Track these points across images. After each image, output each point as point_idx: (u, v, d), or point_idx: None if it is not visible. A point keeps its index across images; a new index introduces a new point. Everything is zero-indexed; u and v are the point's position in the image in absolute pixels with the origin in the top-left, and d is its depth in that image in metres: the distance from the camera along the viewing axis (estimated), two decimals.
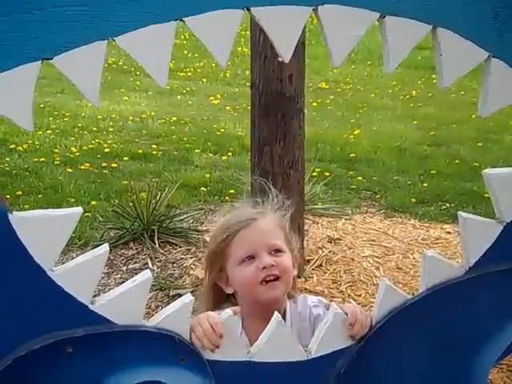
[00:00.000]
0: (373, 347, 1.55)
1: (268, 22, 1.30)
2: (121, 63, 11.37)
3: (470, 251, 1.56)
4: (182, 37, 12.27)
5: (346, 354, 1.53)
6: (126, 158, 6.24)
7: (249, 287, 1.62)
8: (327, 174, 5.99)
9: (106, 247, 1.37)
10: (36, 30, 1.19)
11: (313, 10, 1.32)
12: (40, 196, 5.04)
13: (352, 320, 1.51)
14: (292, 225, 3.75)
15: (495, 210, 1.58)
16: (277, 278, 1.61)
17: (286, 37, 1.31)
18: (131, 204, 4.32)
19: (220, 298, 1.70)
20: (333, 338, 1.52)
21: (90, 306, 1.35)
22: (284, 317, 1.64)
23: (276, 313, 1.52)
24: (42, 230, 1.28)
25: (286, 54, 1.32)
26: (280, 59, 1.33)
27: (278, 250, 1.64)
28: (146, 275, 1.41)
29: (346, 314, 1.53)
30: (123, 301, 1.38)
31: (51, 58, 1.21)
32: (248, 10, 1.29)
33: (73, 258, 4.44)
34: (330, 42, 1.35)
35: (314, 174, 5.92)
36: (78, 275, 1.33)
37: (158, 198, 4.37)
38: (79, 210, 1.31)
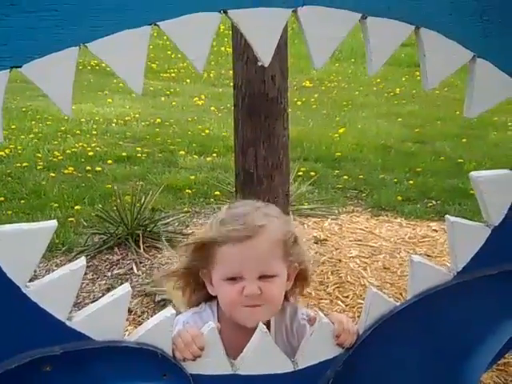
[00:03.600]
0: (361, 356, 1.51)
1: (246, 25, 1.25)
2: (104, 65, 11.29)
3: (457, 256, 1.53)
4: (165, 37, 12.22)
5: (333, 363, 1.49)
6: (110, 162, 6.17)
7: (230, 307, 1.54)
8: (313, 173, 5.96)
9: (82, 261, 1.32)
10: (4, 37, 1.14)
11: (292, 11, 1.28)
12: (22, 201, 4.96)
13: (339, 329, 1.47)
14: None
15: (483, 213, 1.55)
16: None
17: (266, 40, 1.26)
18: (115, 208, 4.25)
19: (198, 287, 1.62)
20: (320, 348, 1.48)
21: (68, 323, 1.30)
22: (268, 327, 1.57)
23: (260, 324, 1.47)
24: (14, 245, 1.23)
25: (265, 57, 1.28)
26: (260, 63, 1.29)
27: (270, 276, 1.52)
28: (125, 289, 1.36)
29: (333, 323, 1.49)
30: (102, 316, 1.33)
31: (20, 66, 1.16)
32: (225, 12, 1.24)
33: (57, 265, 4.35)
34: (310, 44, 1.30)
35: (300, 173, 5.89)
36: (54, 291, 1.28)
37: (142, 201, 4.31)
38: (53, 223, 1.26)
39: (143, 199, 4.43)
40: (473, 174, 1.54)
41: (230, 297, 1.51)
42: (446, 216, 1.54)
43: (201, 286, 1.62)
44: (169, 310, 1.39)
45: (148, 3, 1.19)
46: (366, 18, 1.32)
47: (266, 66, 1.28)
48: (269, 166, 3.70)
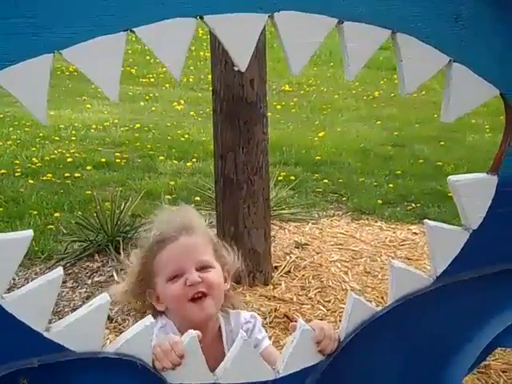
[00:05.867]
0: (342, 362, 1.51)
1: (222, 31, 1.24)
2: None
3: (437, 260, 1.53)
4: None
5: (315, 370, 1.48)
6: (88, 168, 6.12)
7: (178, 305, 1.61)
8: (293, 177, 5.96)
9: (59, 271, 1.30)
10: None
11: (268, 16, 1.27)
12: (1, 209, 4.91)
13: (320, 336, 1.47)
14: (258, 232, 3.74)
15: (461, 217, 1.55)
16: (205, 295, 1.60)
17: (242, 45, 1.26)
18: (95, 215, 4.22)
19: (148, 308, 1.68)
20: (301, 356, 1.47)
21: (45, 334, 1.28)
22: (220, 333, 1.65)
23: (241, 331, 1.47)
24: None
25: (242, 63, 1.27)
26: (236, 68, 1.28)
27: (206, 266, 1.63)
28: (103, 299, 1.34)
29: (314, 329, 1.48)
30: (80, 327, 1.31)
31: None
32: (201, 18, 1.23)
33: (36, 273, 4.31)
34: (287, 49, 1.30)
35: (280, 178, 5.89)
36: (31, 302, 1.25)
37: (121, 207, 4.28)
38: (29, 233, 1.24)
39: (123, 205, 4.40)
40: (450, 178, 1.54)
41: (176, 293, 1.59)
42: (425, 220, 1.54)
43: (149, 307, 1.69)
44: (148, 319, 1.38)
45: (123, 9, 1.18)
46: (342, 22, 1.32)
47: (243, 71, 1.27)
48: (248, 171, 3.70)
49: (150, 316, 1.40)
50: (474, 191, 1.53)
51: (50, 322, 1.31)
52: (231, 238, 3.70)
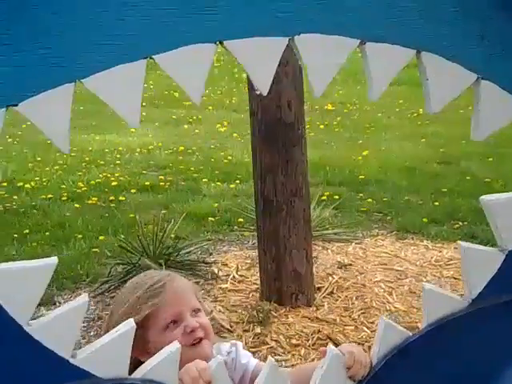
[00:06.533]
0: None
1: (242, 55, 1.24)
2: None
3: (471, 282, 1.48)
4: None
5: None
6: (133, 191, 6.21)
7: None
8: (337, 197, 5.92)
9: (84, 297, 1.30)
10: None
11: (289, 40, 1.27)
12: (47, 233, 5.01)
13: (350, 361, 1.43)
14: (299, 253, 3.71)
15: (496, 238, 1.50)
16: (202, 338, 1.61)
17: (263, 69, 1.25)
18: (137, 238, 4.26)
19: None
20: (331, 381, 1.44)
21: (71, 360, 1.28)
22: None
23: (269, 358, 1.44)
24: (15, 283, 1.22)
25: (263, 87, 1.26)
26: (258, 92, 1.27)
27: (197, 310, 1.65)
28: (129, 324, 1.34)
29: (344, 354, 1.45)
30: (106, 352, 1.31)
31: (16, 105, 1.16)
32: (221, 43, 1.23)
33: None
34: (309, 71, 1.29)
35: (323, 198, 5.86)
36: (57, 328, 1.26)
37: (164, 230, 4.32)
38: (54, 260, 1.25)
39: (165, 228, 4.44)
40: (484, 197, 1.50)
41: (178, 341, 1.52)
42: (459, 242, 1.50)
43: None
44: (174, 345, 1.37)
45: (142, 36, 1.19)
46: (364, 43, 1.30)
47: (265, 94, 1.27)
48: (288, 192, 3.69)
49: (176, 342, 1.40)
50: (507, 211, 1.48)
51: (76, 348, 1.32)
52: (272, 259, 3.69)
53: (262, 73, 1.26)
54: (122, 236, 4.64)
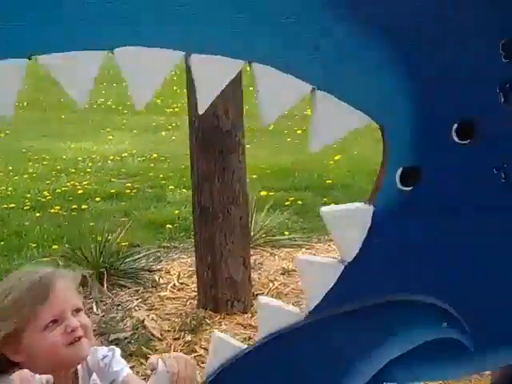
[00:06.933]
0: None
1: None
2: (109, 102, 11.46)
3: (309, 294, 1.48)
4: (172, 73, 12.35)
5: None
6: (97, 199, 6.21)
7: (56, 351, 1.57)
8: (300, 202, 5.92)
9: None
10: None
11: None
12: (2, 243, 5.01)
13: (173, 378, 1.43)
14: (236, 260, 3.71)
15: (336, 249, 1.50)
16: (80, 337, 1.59)
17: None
18: (81, 247, 4.27)
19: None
20: None
21: None
22: (76, 374, 1.64)
23: (94, 374, 1.45)
24: None
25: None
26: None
27: (78, 309, 1.64)
28: None
29: (168, 372, 1.44)
30: None
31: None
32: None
33: None
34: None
35: (287, 203, 5.88)
36: None
37: (108, 238, 4.32)
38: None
39: (115, 235, 4.44)
40: (323, 209, 1.49)
41: (56, 339, 1.57)
42: (296, 255, 1.50)
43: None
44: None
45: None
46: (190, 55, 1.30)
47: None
48: (224, 200, 3.69)
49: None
50: (346, 222, 1.48)
51: None
52: (208, 266, 3.70)
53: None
54: (67, 246, 4.64)
